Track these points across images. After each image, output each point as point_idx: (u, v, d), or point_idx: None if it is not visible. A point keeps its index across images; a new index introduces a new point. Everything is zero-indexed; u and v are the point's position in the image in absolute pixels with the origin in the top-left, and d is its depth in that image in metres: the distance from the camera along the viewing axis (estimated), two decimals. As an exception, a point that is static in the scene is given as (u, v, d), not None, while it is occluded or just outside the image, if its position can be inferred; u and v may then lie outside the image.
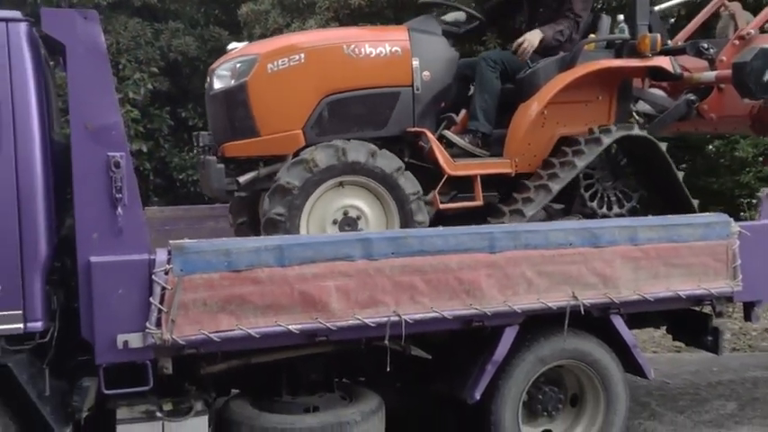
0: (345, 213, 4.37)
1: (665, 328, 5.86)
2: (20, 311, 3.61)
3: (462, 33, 5.07)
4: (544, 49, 4.89)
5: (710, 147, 11.15)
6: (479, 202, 4.67)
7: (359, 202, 4.38)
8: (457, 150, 4.75)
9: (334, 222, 4.36)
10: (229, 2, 12.09)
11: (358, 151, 4.30)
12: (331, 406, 4.41)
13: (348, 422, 4.23)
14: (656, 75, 5.11)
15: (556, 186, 4.65)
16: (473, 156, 4.77)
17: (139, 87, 10.74)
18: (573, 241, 4.42)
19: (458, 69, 4.86)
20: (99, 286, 3.66)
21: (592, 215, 4.87)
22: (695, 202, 5.05)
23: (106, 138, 3.70)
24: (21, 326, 3.61)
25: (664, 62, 4.91)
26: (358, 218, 4.39)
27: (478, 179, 4.65)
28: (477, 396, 4.43)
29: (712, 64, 5.19)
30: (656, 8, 5.78)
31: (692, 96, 5.12)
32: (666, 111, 5.16)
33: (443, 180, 4.55)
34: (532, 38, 4.81)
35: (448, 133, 4.77)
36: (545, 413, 4.79)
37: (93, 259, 3.67)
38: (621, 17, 5.00)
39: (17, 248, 3.59)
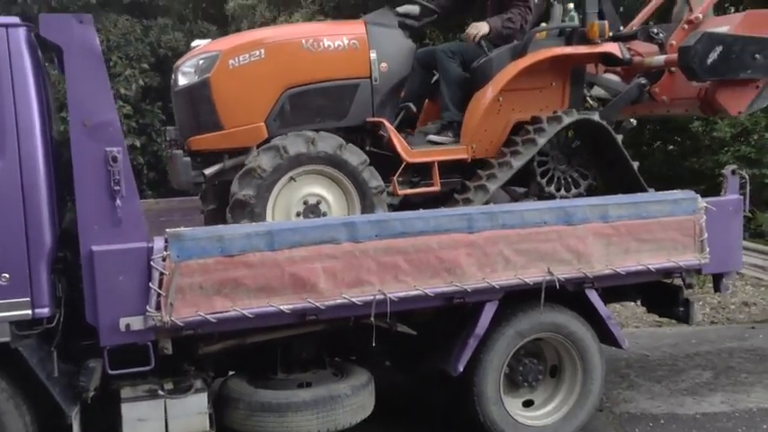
0: (309, 202, 4.56)
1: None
2: (28, 299, 3.84)
3: (419, 26, 5.23)
4: (497, 38, 5.09)
5: (691, 127, 11.38)
6: (437, 188, 4.89)
7: (324, 191, 4.58)
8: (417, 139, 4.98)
9: (300, 209, 4.56)
10: (216, -4, 12.30)
11: (327, 142, 4.51)
12: (323, 381, 4.69)
13: (339, 395, 4.51)
14: (607, 60, 5.31)
15: (517, 162, 4.87)
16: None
17: (130, 83, 10.95)
18: (547, 220, 4.68)
19: (418, 59, 5.07)
20: (101, 273, 3.91)
21: (549, 197, 5.07)
22: (651, 190, 5.27)
23: (103, 134, 3.93)
24: (29, 312, 3.85)
25: (612, 48, 5.11)
26: (320, 204, 4.58)
27: (436, 166, 4.86)
28: (461, 368, 4.69)
29: (662, 48, 5.42)
30: None
31: (642, 80, 5.32)
32: (619, 95, 5.37)
33: (402, 167, 4.76)
34: (480, 25, 5.01)
35: (432, 137, 4.99)
36: (525, 384, 5.05)
37: (95, 248, 3.92)
38: (572, 5, 5.20)
39: (23, 240, 3.83)
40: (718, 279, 5.42)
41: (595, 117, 5.06)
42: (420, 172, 4.93)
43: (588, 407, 5.06)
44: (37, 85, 3.93)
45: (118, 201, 3.97)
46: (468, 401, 4.83)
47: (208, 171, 4.58)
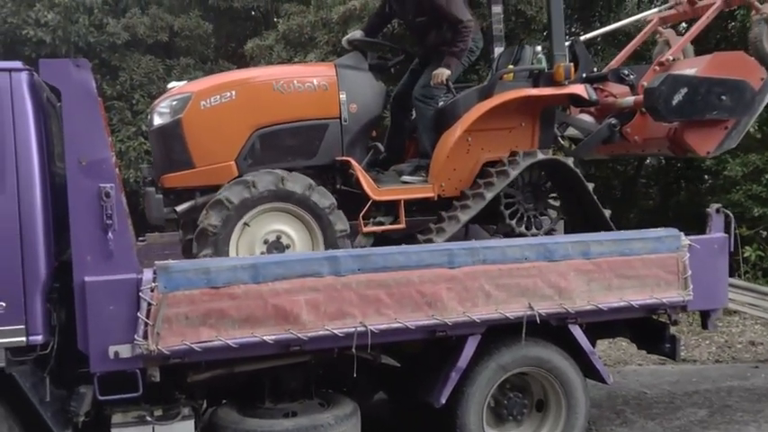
0: (275, 238, 4.70)
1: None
2: (23, 326, 4.07)
3: (390, 66, 5.43)
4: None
5: (702, 165, 11.43)
6: (402, 226, 5.03)
7: (288, 228, 4.73)
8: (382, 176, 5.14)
9: (264, 243, 4.69)
10: (236, 37, 12.67)
11: (296, 183, 4.66)
12: (308, 411, 4.82)
13: (322, 425, 4.64)
14: (576, 101, 5.46)
15: (478, 205, 5.00)
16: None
17: (152, 121, 11.26)
18: (528, 256, 4.80)
19: (394, 99, 5.32)
20: (92, 303, 4.12)
21: (511, 233, 5.18)
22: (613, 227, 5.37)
23: (98, 171, 4.18)
24: (23, 339, 4.07)
25: (578, 90, 5.24)
26: (286, 245, 4.72)
27: (402, 204, 5.01)
28: (443, 400, 4.80)
29: (633, 89, 5.55)
30: (582, 38, 6.14)
31: (612, 120, 5.44)
32: (590, 135, 5.51)
33: (368, 205, 4.90)
34: (441, 72, 5.09)
35: (406, 177, 5.15)
36: (510, 417, 5.14)
37: (88, 279, 4.13)
38: (539, 48, 5.38)
39: (20, 271, 4.07)
40: (705, 316, 5.49)
41: (559, 157, 5.20)
42: (389, 210, 5.08)
43: (572, 441, 5.13)
44: (37, 125, 4.19)
45: (110, 234, 4.19)
46: (450, 433, 4.93)
47: (180, 208, 4.75)
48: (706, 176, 13.35)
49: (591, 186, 5.35)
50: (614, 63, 6.34)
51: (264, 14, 13.17)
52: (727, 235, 5.34)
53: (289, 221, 4.73)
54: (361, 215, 4.90)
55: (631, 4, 10.45)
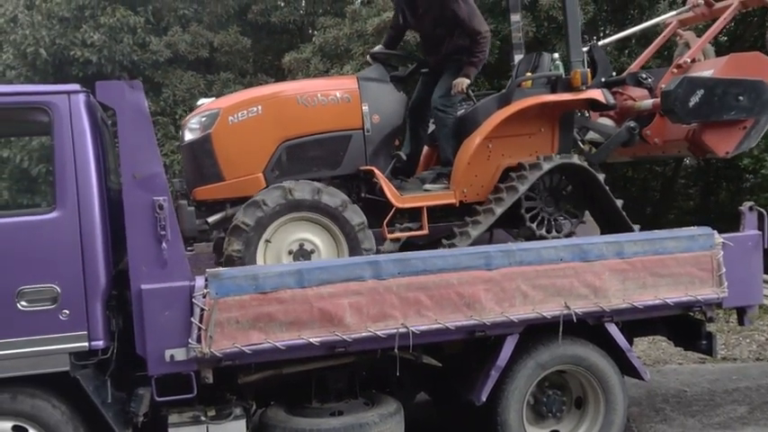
0: (299, 246, 4.87)
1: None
2: (85, 332, 4.35)
3: (407, 75, 5.58)
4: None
5: (739, 164, 11.40)
6: (425, 232, 5.18)
7: (310, 235, 4.89)
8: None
9: (290, 253, 4.86)
10: (274, 51, 12.97)
11: (303, 190, 4.81)
12: (354, 410, 5.02)
13: (367, 423, 4.83)
14: (594, 106, 5.57)
15: (499, 209, 5.13)
16: None
17: (194, 135, 11.58)
18: (564, 257, 4.94)
19: (411, 109, 5.43)
20: (149, 309, 4.37)
21: (532, 237, 5.28)
22: (636, 227, 5.47)
23: (151, 185, 4.44)
24: (86, 344, 4.35)
25: (595, 94, 5.36)
26: (311, 251, 4.89)
27: (425, 210, 5.16)
28: (484, 398, 4.96)
29: (652, 92, 5.65)
30: (600, 43, 6.24)
31: (632, 123, 5.52)
32: (609, 138, 5.59)
33: (392, 212, 5.06)
34: (461, 81, 5.27)
35: (428, 186, 5.31)
36: (550, 414, 5.28)
37: (144, 287, 4.39)
38: (556, 55, 5.51)
39: (81, 281, 4.35)
40: (741, 313, 5.56)
41: (575, 160, 5.30)
42: (413, 217, 5.23)
43: (611, 438, 5.24)
44: (94, 143, 4.47)
45: (164, 244, 4.44)
46: (491, 430, 5.07)
47: (211, 219, 4.95)
48: (747, 176, 13.27)
49: (612, 190, 5.46)
50: (634, 66, 6.44)
51: (301, 28, 13.45)
52: (761, 232, 5.41)
53: (307, 228, 4.89)
54: (385, 222, 5.05)
55: (663, 6, 10.49)
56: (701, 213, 13.21)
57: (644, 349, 8.59)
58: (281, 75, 12.28)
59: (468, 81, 5.29)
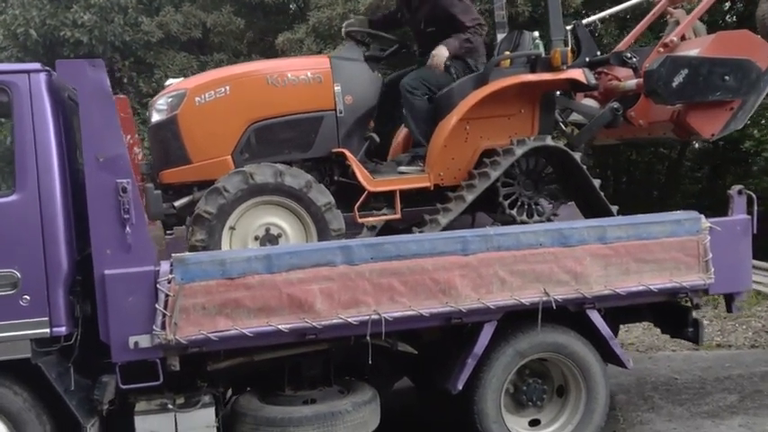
0: (266, 231, 4.72)
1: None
2: (46, 318, 4.24)
3: (385, 57, 5.37)
4: (458, 58, 5.20)
5: (741, 147, 11.22)
6: (397, 216, 5.02)
7: (276, 218, 4.73)
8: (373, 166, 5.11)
9: (256, 239, 4.71)
10: (269, 32, 12.79)
11: (265, 174, 4.64)
12: (327, 398, 4.90)
13: (340, 412, 4.71)
14: (575, 86, 5.36)
15: (470, 196, 4.94)
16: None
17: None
18: (543, 242, 4.79)
19: (384, 89, 5.22)
20: (112, 295, 4.26)
21: (512, 223, 5.10)
22: (614, 208, 5.29)
23: (114, 167, 4.31)
24: (47, 331, 4.24)
25: (576, 74, 5.13)
26: (278, 235, 4.73)
27: (397, 194, 4.99)
28: (460, 387, 4.84)
29: (637, 72, 5.45)
30: (584, 21, 6.04)
31: (615, 104, 5.30)
32: (592, 119, 5.40)
33: (364, 196, 4.89)
34: (439, 51, 5.10)
35: (403, 168, 5.11)
36: (530, 403, 5.15)
37: (107, 272, 4.27)
38: (536, 33, 5.31)
39: (42, 265, 4.23)
40: (729, 300, 5.40)
41: (549, 141, 5.11)
42: (391, 202, 5.07)
43: (593, 426, 5.11)
44: (56, 124, 4.34)
45: (128, 228, 4.32)
46: (468, 419, 4.96)
47: (177, 203, 4.80)
48: (750, 160, 13.10)
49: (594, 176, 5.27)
50: (622, 45, 6.23)
51: (296, 8, 13.27)
52: (750, 216, 5.24)
53: (273, 212, 4.73)
54: (356, 206, 4.90)
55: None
56: (707, 196, 13.02)
57: (638, 335, 8.47)
58: (275, 55, 12.10)
59: (445, 53, 5.09)
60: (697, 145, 14.02)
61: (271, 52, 12.24)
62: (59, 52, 11.49)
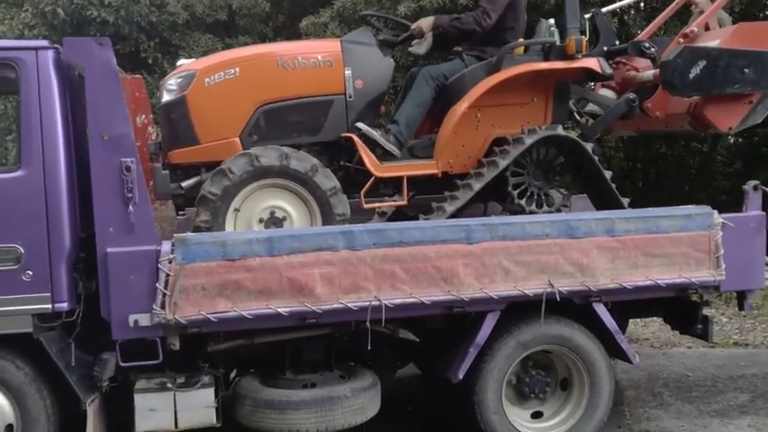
0: (270, 213, 4.69)
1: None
2: (48, 294, 4.28)
3: (399, 42, 5.29)
4: (441, 37, 5.11)
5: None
6: (404, 202, 4.97)
7: (281, 201, 4.70)
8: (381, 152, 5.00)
9: (260, 221, 4.68)
10: (295, 15, 12.75)
11: (270, 156, 4.61)
12: (327, 383, 4.90)
13: (338, 396, 4.71)
14: (591, 76, 5.26)
15: (478, 185, 4.86)
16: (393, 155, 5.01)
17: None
18: (549, 233, 4.72)
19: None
20: (114, 273, 4.29)
21: (521, 212, 5.01)
22: (625, 201, 5.18)
23: (119, 146, 4.32)
24: (49, 306, 4.29)
25: (590, 63, 5.00)
26: (283, 218, 4.70)
27: (404, 180, 4.92)
28: (461, 376, 4.80)
29: (655, 62, 5.31)
30: (604, 9, 5.90)
31: (631, 95, 5.18)
32: (607, 110, 5.28)
33: (371, 181, 4.84)
34: (423, 22, 5.04)
35: (362, 125, 4.95)
36: (533, 395, 5.09)
37: (110, 250, 4.30)
38: (552, 21, 5.20)
39: (45, 242, 4.27)
40: (741, 297, 5.28)
41: (560, 131, 5.01)
42: (396, 187, 5.03)
43: (595, 421, 5.05)
44: (62, 102, 4.35)
45: (131, 207, 4.34)
46: (469, 409, 4.93)
47: (185, 183, 4.79)
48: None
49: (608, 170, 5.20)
50: (643, 35, 6.09)
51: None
52: (765, 213, 5.12)
53: (278, 195, 4.71)
54: (362, 192, 4.87)
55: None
56: (739, 193, 12.69)
57: (653, 331, 8.35)
58: (299, 38, 12.09)
59: (429, 22, 5.04)
60: (731, 140, 13.70)
61: (297, 37, 12.19)
62: (86, 32, 11.51)
